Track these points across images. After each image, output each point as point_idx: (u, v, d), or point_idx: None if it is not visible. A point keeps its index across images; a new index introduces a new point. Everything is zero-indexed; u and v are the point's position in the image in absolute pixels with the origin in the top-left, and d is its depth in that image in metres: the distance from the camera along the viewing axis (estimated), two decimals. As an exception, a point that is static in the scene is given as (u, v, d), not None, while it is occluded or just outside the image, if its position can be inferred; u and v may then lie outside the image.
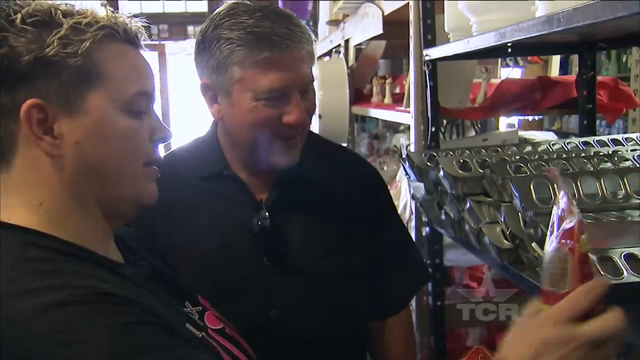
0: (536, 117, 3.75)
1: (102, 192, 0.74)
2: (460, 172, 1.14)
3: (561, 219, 0.70)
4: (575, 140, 1.37)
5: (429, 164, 1.32)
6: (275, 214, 1.10)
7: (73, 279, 0.66)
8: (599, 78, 1.64)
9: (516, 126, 3.35)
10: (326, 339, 1.15)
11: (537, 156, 1.19)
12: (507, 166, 1.07)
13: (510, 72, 2.84)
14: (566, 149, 1.28)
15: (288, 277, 1.11)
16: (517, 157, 1.19)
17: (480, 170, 1.14)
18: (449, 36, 1.41)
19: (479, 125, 2.36)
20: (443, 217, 1.32)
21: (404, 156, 1.45)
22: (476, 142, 1.84)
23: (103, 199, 0.74)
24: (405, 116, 1.70)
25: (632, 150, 1.23)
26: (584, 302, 0.69)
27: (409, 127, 3.25)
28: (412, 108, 1.64)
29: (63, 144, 0.70)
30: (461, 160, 1.17)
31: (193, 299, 0.88)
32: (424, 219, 1.65)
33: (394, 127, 3.70)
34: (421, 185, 1.43)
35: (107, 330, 0.62)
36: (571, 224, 0.69)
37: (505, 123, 3.29)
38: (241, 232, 1.11)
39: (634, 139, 1.35)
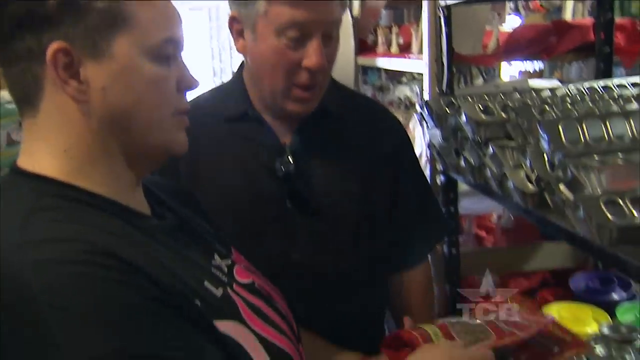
0: (537, 68, 3.70)
1: (128, 140, 0.72)
2: (484, 116, 1.13)
3: None
4: (594, 84, 1.35)
5: (448, 110, 1.30)
6: (298, 158, 1.10)
7: (83, 232, 0.64)
8: (616, 20, 1.61)
9: (517, 76, 3.31)
10: (346, 286, 1.16)
11: (559, 99, 1.17)
12: (532, 109, 1.05)
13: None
14: (587, 92, 1.26)
15: (310, 221, 1.12)
16: (539, 101, 1.18)
17: (503, 115, 1.13)
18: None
19: (485, 75, 2.34)
20: (462, 163, 1.31)
21: (420, 103, 1.43)
22: (488, 89, 1.82)
23: (130, 147, 0.73)
24: (419, 64, 1.67)
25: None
26: None
27: (413, 78, 3.22)
28: (425, 55, 1.61)
29: (89, 90, 0.68)
30: (483, 105, 1.16)
31: (223, 251, 0.87)
32: (439, 167, 1.65)
33: (397, 79, 3.66)
34: (438, 132, 1.42)
35: (102, 302, 0.60)
36: None
37: (507, 74, 3.25)
38: (264, 175, 1.12)
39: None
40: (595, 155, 0.93)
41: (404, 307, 1.29)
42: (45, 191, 0.67)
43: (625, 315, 1.52)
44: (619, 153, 0.94)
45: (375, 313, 1.27)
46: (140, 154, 0.74)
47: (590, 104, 1.07)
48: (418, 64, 1.68)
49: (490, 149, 1.13)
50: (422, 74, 1.66)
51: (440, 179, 1.67)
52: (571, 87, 1.35)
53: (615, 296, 1.58)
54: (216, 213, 0.98)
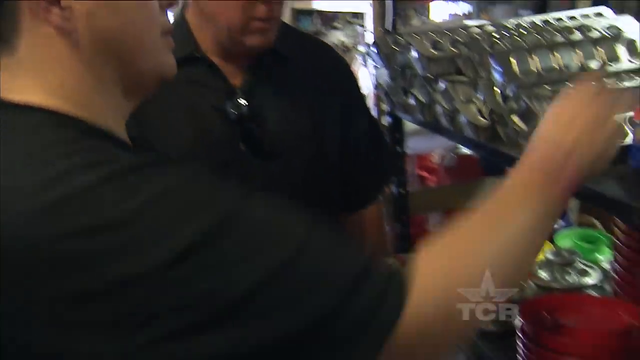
0: (465, 11, 3.74)
1: (122, 68, 0.68)
2: (434, 52, 1.13)
3: None
4: (534, 18, 1.37)
5: (397, 48, 1.29)
6: (250, 100, 1.08)
7: (121, 154, 0.62)
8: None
9: (448, 18, 3.34)
10: None
11: (505, 33, 1.18)
12: (482, 43, 1.06)
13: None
14: (529, 26, 1.28)
15: (264, 163, 1.10)
16: (486, 35, 1.19)
17: (454, 50, 1.13)
18: None
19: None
20: (411, 102, 1.31)
21: (365, 44, 1.42)
22: (431, 28, 1.82)
23: (124, 75, 0.68)
24: (362, 3, 1.65)
25: (588, 24, 1.25)
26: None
27: (348, 22, 3.19)
28: (369, -6, 1.59)
29: (74, 17, 0.63)
30: (432, 41, 1.16)
31: None
32: (385, 108, 1.65)
33: (330, 24, 3.63)
34: (385, 72, 1.41)
35: (180, 189, 0.61)
36: None
37: (437, 16, 3.27)
38: (215, 118, 1.09)
39: (588, 14, 1.38)
40: (546, 86, 0.95)
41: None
42: (62, 123, 0.63)
43: (564, 241, 1.61)
44: (568, 82, 0.96)
45: None
46: (134, 82, 0.70)
47: (537, 36, 1.08)
48: (362, 3, 1.65)
49: (441, 85, 1.14)
50: (360, 16, 1.65)
51: (386, 119, 1.68)
52: (512, 21, 1.36)
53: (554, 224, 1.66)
54: None
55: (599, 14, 1.37)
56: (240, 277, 0.58)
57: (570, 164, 0.71)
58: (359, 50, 2.20)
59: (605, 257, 1.51)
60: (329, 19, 3.41)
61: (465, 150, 2.29)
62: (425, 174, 2.34)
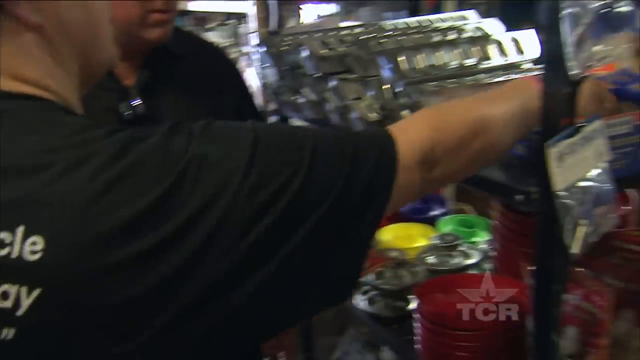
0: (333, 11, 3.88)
1: (84, 59, 0.67)
2: (325, 51, 1.16)
3: None
4: (411, 20, 1.47)
5: (286, 48, 1.32)
6: (144, 99, 1.05)
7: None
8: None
9: (317, 19, 3.44)
10: None
11: (390, 32, 1.26)
12: (370, 42, 1.11)
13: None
14: (408, 26, 1.36)
15: None
16: (372, 35, 1.25)
17: (342, 49, 1.18)
18: None
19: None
20: (301, 100, 1.34)
21: (252, 44, 1.43)
22: (311, 28, 1.87)
23: (85, 66, 0.67)
24: (245, 4, 1.65)
25: (460, 26, 1.37)
26: None
27: (223, 24, 3.17)
28: (251, -5, 1.60)
29: (42, 10, 0.61)
30: (321, 41, 1.19)
31: None
32: (271, 107, 1.67)
33: (203, 26, 3.59)
34: (272, 71, 1.43)
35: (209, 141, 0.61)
36: None
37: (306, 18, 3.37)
38: (109, 119, 1.05)
39: (456, 17, 1.50)
40: (430, 82, 1.03)
41: None
42: (64, 109, 0.63)
43: (446, 227, 1.73)
44: (450, 78, 1.05)
45: None
46: (91, 72, 0.70)
47: (420, 36, 1.16)
48: (244, 4, 1.66)
49: (332, 83, 1.18)
50: (237, 17, 1.65)
51: (273, 118, 1.70)
52: (390, 23, 1.44)
53: (435, 212, 1.79)
54: None
55: (464, 17, 1.50)
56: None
57: None
58: (240, 51, 2.20)
59: (482, 239, 1.65)
60: (203, 20, 3.38)
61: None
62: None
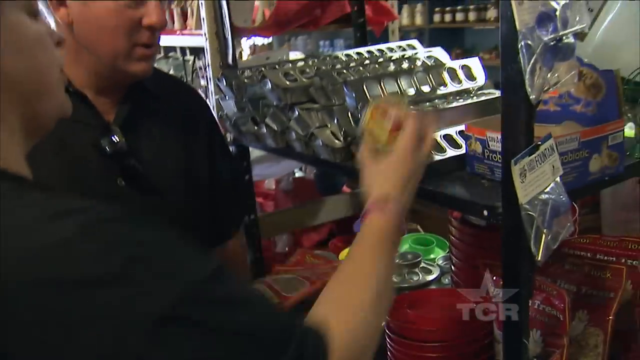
0: (266, 41, 3.97)
1: (28, 110, 0.65)
2: (288, 83, 1.21)
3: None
4: (362, 50, 1.54)
5: (246, 80, 1.36)
6: (125, 135, 1.06)
7: (82, 201, 0.60)
8: (364, -6, 1.84)
9: (248, 50, 3.51)
10: None
11: (347, 64, 1.32)
12: (333, 73, 1.17)
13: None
14: (365, 57, 1.44)
15: (142, 198, 1.09)
16: (330, 66, 1.31)
17: (305, 80, 1.23)
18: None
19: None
20: (262, 130, 1.38)
21: (210, 76, 1.46)
22: (260, 60, 1.92)
23: (28, 117, 0.65)
24: (198, 39, 1.69)
25: (414, 55, 1.45)
26: (419, 131, 0.90)
27: (166, 56, 3.17)
28: (205, 30, 1.63)
29: None
30: (284, 73, 1.25)
31: None
32: (229, 137, 1.70)
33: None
34: (231, 103, 1.47)
35: (164, 245, 0.62)
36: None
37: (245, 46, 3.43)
38: (91, 153, 1.05)
39: (402, 46, 1.59)
40: (393, 108, 1.09)
41: None
42: None
43: (403, 246, 1.80)
44: (411, 105, 1.12)
45: None
46: (36, 121, 0.67)
47: (376, 66, 1.23)
48: (197, 39, 1.69)
49: (296, 112, 1.23)
50: (185, 51, 1.68)
51: (232, 149, 1.72)
52: (343, 53, 1.52)
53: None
54: None
55: (411, 46, 1.59)
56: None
57: (402, 213, 0.88)
58: (190, 84, 2.22)
59: (437, 255, 1.73)
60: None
61: (299, 174, 2.43)
62: (261, 199, 2.42)
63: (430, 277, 1.51)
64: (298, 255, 1.43)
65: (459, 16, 5.90)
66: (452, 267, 1.43)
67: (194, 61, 2.60)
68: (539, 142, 0.83)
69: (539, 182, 0.83)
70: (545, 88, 0.76)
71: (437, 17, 6.10)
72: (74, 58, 1.05)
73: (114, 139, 1.04)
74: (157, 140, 1.12)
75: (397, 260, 1.56)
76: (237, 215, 1.37)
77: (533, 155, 0.82)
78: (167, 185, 1.12)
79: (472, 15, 5.78)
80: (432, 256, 1.73)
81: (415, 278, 1.50)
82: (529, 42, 0.75)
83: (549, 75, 0.77)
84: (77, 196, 0.65)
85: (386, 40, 1.93)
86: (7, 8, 0.62)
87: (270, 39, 3.72)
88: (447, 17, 6.01)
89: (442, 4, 6.06)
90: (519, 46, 0.75)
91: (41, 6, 0.70)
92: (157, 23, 1.03)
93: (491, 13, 5.56)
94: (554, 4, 0.74)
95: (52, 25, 0.69)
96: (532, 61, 0.75)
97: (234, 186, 1.32)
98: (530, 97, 0.76)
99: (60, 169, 1.03)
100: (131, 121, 1.09)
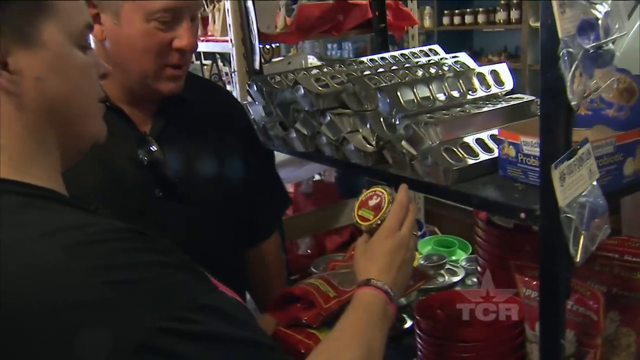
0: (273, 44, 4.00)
1: (65, 131, 0.69)
2: (320, 88, 1.24)
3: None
4: (387, 55, 1.57)
5: (276, 86, 1.39)
6: (160, 145, 1.09)
7: (84, 217, 0.62)
8: (385, -1, 1.86)
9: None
10: (214, 268, 1.18)
11: (376, 69, 1.35)
12: (365, 79, 1.20)
13: None
14: (390, 62, 1.46)
15: (180, 207, 1.11)
16: (360, 72, 1.34)
17: (336, 86, 1.26)
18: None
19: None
20: (292, 135, 1.40)
21: (243, 81, 1.49)
22: (283, 65, 1.95)
23: (64, 139, 0.69)
24: (224, 45, 1.72)
25: (440, 60, 1.48)
26: (401, 215, 0.99)
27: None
28: (232, 36, 1.66)
29: (22, 80, 0.63)
30: (315, 78, 1.27)
31: None
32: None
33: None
34: (259, 108, 1.49)
35: (153, 268, 0.61)
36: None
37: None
38: (129, 165, 1.08)
39: (425, 51, 1.61)
40: (426, 114, 1.12)
41: (264, 277, 1.36)
42: (3, 190, 0.61)
43: (425, 248, 1.82)
44: (442, 110, 1.14)
45: (241, 288, 1.31)
46: (73, 145, 0.71)
47: (406, 71, 1.26)
48: (224, 45, 1.72)
49: (327, 117, 1.25)
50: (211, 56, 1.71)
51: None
52: (367, 58, 1.54)
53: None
54: None
55: (434, 51, 1.61)
56: None
57: (396, 291, 0.95)
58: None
59: (459, 257, 1.75)
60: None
61: (317, 177, 2.45)
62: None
63: (455, 279, 1.53)
64: (352, 251, 1.46)
65: (468, 19, 5.91)
66: (478, 268, 1.45)
67: (212, 66, 2.63)
68: (577, 147, 0.85)
69: (577, 185, 0.85)
70: (585, 94, 0.78)
71: (446, 20, 6.12)
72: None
73: (151, 149, 1.06)
74: (193, 149, 1.15)
75: (422, 262, 1.58)
76: (273, 217, 1.40)
77: (572, 160, 0.84)
78: (204, 194, 1.14)
79: (481, 18, 5.80)
80: (454, 258, 1.75)
81: (441, 279, 1.52)
82: (570, 49, 0.77)
83: (589, 81, 0.80)
84: (89, 210, 0.68)
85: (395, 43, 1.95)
86: (58, 39, 0.66)
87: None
88: (456, 20, 6.03)
89: (451, 7, 6.07)
90: (560, 54, 0.77)
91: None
92: (187, 46, 1.04)
93: (500, 15, 5.57)
94: (596, 12, 0.76)
95: (98, 60, 0.73)
96: (572, 68, 0.78)
97: (269, 188, 1.35)
98: (571, 103, 0.78)
99: (99, 181, 1.06)
100: (167, 132, 1.11)
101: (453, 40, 6.13)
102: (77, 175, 1.04)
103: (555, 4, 0.74)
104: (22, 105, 0.64)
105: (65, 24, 0.66)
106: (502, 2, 5.55)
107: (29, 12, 0.63)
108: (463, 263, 1.66)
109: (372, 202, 1.03)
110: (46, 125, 0.67)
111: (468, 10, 5.92)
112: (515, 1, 5.37)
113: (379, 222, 1.00)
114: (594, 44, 0.77)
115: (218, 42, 1.78)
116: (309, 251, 1.97)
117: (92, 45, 0.73)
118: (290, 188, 2.34)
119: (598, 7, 0.77)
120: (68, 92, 0.68)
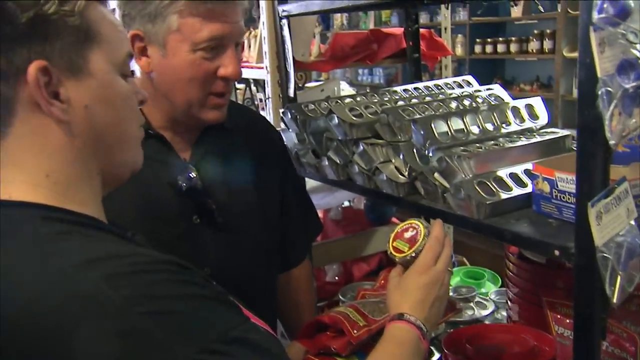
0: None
1: (107, 158, 0.71)
2: (355, 118, 1.25)
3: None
4: (420, 85, 1.57)
5: (310, 114, 1.40)
6: (200, 173, 1.10)
7: (124, 248, 0.63)
8: (419, 30, 1.87)
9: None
10: (249, 293, 1.19)
11: (409, 100, 1.36)
12: (399, 110, 1.21)
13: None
14: (425, 93, 1.47)
15: (217, 234, 1.13)
16: (395, 103, 1.35)
17: (370, 116, 1.27)
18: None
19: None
20: (325, 163, 1.41)
21: (277, 108, 1.51)
22: (316, 93, 1.97)
23: (107, 165, 0.72)
24: (259, 72, 1.75)
25: (474, 92, 1.48)
26: (437, 250, 0.99)
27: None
28: (267, 63, 1.69)
29: (72, 109, 0.65)
30: (351, 108, 1.28)
31: None
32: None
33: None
34: (292, 135, 1.51)
35: (189, 300, 0.62)
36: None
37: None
38: (168, 192, 1.10)
39: (459, 82, 1.61)
40: (460, 147, 1.12)
41: (295, 303, 1.36)
42: (47, 217, 0.63)
43: (454, 279, 1.80)
44: (476, 143, 1.14)
45: (272, 315, 1.31)
46: (115, 171, 0.74)
47: (440, 103, 1.26)
48: (259, 72, 1.75)
49: (360, 147, 1.26)
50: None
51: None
52: (401, 88, 1.55)
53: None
54: None
55: (467, 82, 1.62)
56: None
57: (425, 327, 0.95)
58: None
59: (489, 290, 1.73)
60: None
61: (345, 204, 2.45)
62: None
63: (485, 312, 1.51)
64: (382, 279, 1.45)
65: (501, 47, 5.91)
66: (509, 303, 1.43)
67: (245, 90, 2.67)
68: (615, 185, 0.84)
69: (614, 224, 0.84)
70: (624, 134, 0.78)
71: (477, 48, 6.12)
72: (152, 103, 1.10)
73: (190, 176, 1.08)
74: (232, 177, 1.16)
75: (451, 294, 1.56)
76: (305, 244, 1.40)
77: (609, 198, 0.83)
78: (240, 222, 1.16)
79: (513, 47, 5.79)
80: (483, 290, 1.73)
81: (470, 312, 1.50)
82: (610, 88, 0.76)
83: (628, 120, 0.79)
84: (126, 237, 0.70)
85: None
86: (104, 68, 0.68)
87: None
88: (488, 48, 6.03)
89: (484, 35, 6.08)
90: (599, 92, 0.77)
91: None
92: (232, 74, 1.07)
93: (533, 45, 5.56)
94: (636, 52, 0.75)
95: (136, 88, 0.76)
96: (611, 107, 0.77)
97: (303, 215, 1.36)
98: (610, 142, 0.78)
99: (139, 205, 1.08)
100: (206, 159, 1.13)
101: (484, 69, 6.12)
102: (118, 199, 1.07)
103: (594, 44, 0.75)
104: (72, 133, 0.66)
105: (109, 54, 0.69)
106: (535, 31, 5.54)
107: (78, 43, 0.65)
108: (492, 296, 1.64)
109: (407, 235, 1.03)
110: (91, 152, 0.69)
111: (500, 39, 5.92)
112: (548, 31, 5.36)
113: (413, 254, 1.00)
114: (634, 83, 0.77)
115: (253, 68, 1.81)
116: (336, 278, 1.97)
117: (139, 76, 0.76)
118: (319, 214, 2.34)
119: (638, 46, 0.77)
120: (113, 118, 0.70)
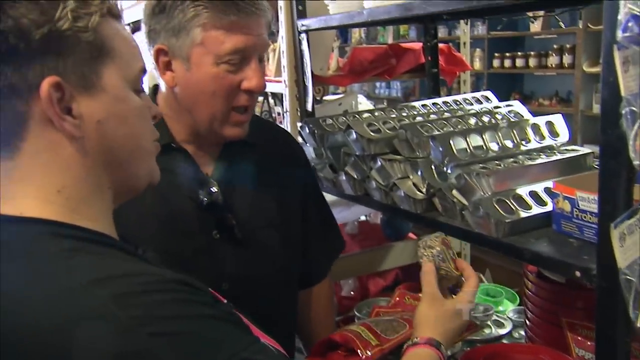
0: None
1: (120, 172, 0.71)
2: (372, 134, 1.25)
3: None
4: (439, 100, 1.57)
5: (327, 129, 1.40)
6: (222, 188, 1.10)
7: (135, 266, 0.63)
8: (437, 45, 1.87)
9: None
10: (268, 309, 1.18)
11: (427, 116, 1.35)
12: (418, 126, 1.20)
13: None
14: (443, 108, 1.46)
15: (236, 249, 1.12)
16: (413, 118, 1.34)
17: (388, 132, 1.26)
18: (327, 7, 1.49)
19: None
20: (342, 177, 1.41)
21: (294, 122, 1.51)
22: (334, 106, 1.97)
23: (119, 179, 0.71)
24: (278, 85, 1.75)
25: (494, 108, 1.47)
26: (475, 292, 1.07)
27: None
28: (286, 77, 1.69)
29: (84, 124, 0.65)
30: (369, 123, 1.28)
31: None
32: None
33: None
34: (310, 149, 1.51)
35: (198, 320, 0.62)
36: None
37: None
38: (189, 206, 1.10)
39: (477, 97, 1.60)
40: (478, 164, 1.11)
41: (314, 321, 1.35)
42: (57, 233, 0.63)
43: (471, 297, 1.77)
44: (495, 160, 1.13)
45: (289, 331, 1.30)
46: (128, 186, 0.73)
47: (459, 119, 1.25)
48: (277, 85, 1.75)
49: (378, 163, 1.25)
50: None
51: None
52: (419, 103, 1.54)
53: (460, 282, 1.83)
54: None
55: (486, 97, 1.61)
56: None
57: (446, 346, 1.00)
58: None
59: (506, 308, 1.70)
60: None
61: (363, 218, 2.44)
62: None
63: (502, 331, 1.48)
64: (397, 297, 1.44)
65: (519, 62, 5.87)
66: (527, 322, 1.40)
67: (263, 103, 2.68)
68: (638, 206, 0.83)
69: (638, 246, 0.82)
70: (647, 154, 0.76)
71: (496, 62, 6.09)
72: (176, 117, 1.11)
73: (211, 191, 1.08)
74: (253, 192, 1.15)
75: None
76: (327, 261, 1.39)
77: (632, 219, 0.81)
78: (261, 237, 1.15)
79: (532, 61, 5.75)
80: (501, 308, 1.70)
81: (487, 331, 1.48)
82: (634, 107, 0.75)
83: (651, 140, 0.77)
84: (136, 254, 0.69)
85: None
86: (117, 84, 0.69)
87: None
88: (507, 63, 5.99)
89: (502, 49, 6.05)
90: (622, 112, 0.76)
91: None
92: (256, 87, 1.06)
93: (552, 59, 5.52)
94: (660, 72, 0.74)
95: (150, 103, 0.76)
96: (636, 127, 0.76)
97: (325, 232, 1.35)
98: (634, 162, 0.76)
99: (159, 218, 1.08)
100: (228, 174, 1.13)
101: (503, 83, 6.08)
102: (137, 210, 1.07)
103: (618, 62, 0.74)
104: (84, 148, 0.66)
105: (123, 69, 0.69)
106: (555, 46, 5.50)
107: (91, 59, 0.66)
108: (510, 314, 1.61)
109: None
110: (103, 167, 0.69)
111: (519, 53, 5.89)
112: (568, 46, 5.32)
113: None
114: (658, 103, 0.75)
115: (272, 82, 1.81)
116: (352, 293, 1.95)
117: (163, 91, 0.75)
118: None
119: (663, 66, 0.76)
120: (126, 134, 0.70)
